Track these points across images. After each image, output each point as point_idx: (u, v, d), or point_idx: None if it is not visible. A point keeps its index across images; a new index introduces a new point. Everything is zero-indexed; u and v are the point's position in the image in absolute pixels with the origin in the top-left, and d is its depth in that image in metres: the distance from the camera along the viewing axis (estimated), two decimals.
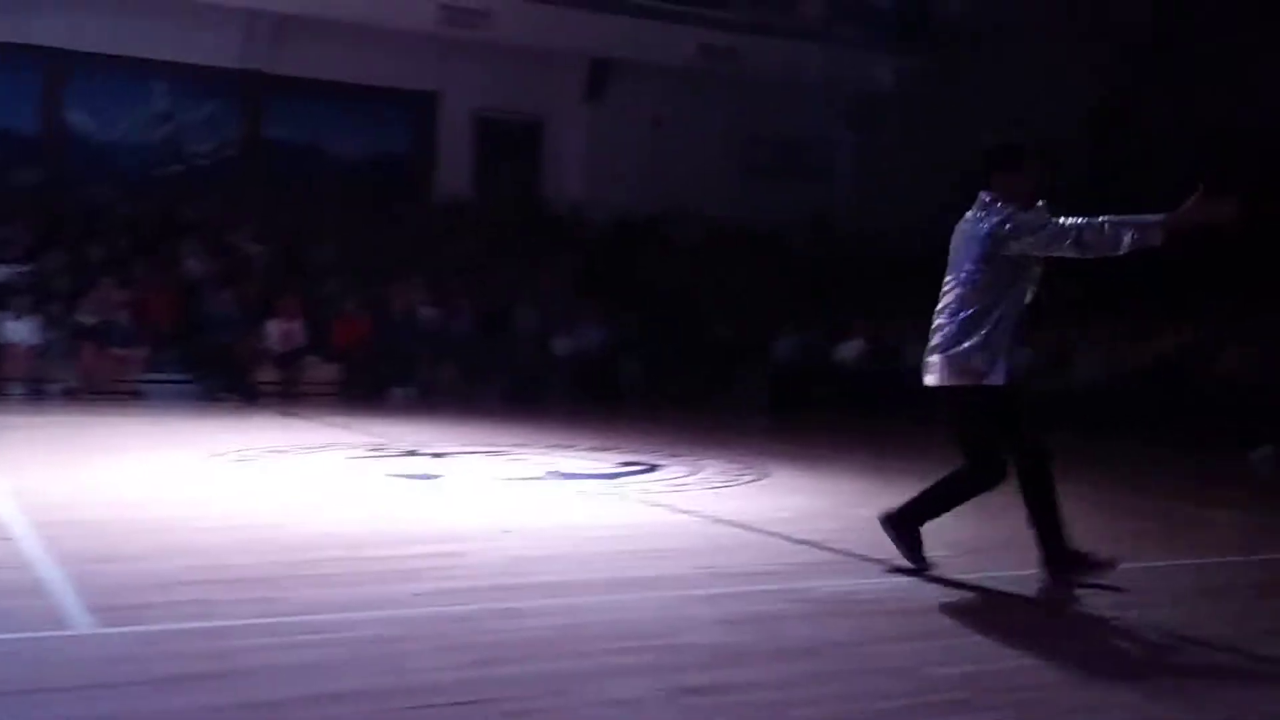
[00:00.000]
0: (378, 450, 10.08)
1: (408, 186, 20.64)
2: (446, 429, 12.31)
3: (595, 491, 8.20)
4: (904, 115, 20.66)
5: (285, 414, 13.94)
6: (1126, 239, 4.77)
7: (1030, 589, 5.27)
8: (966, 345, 5.13)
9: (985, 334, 5.10)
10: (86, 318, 15.59)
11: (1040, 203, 5.19)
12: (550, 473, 8.93)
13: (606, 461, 9.71)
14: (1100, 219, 4.86)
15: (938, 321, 5.28)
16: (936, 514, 5.49)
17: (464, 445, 10.52)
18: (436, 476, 8.57)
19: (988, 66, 20.41)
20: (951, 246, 5.35)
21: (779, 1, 20.61)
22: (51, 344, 15.28)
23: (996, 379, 5.12)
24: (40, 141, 18.98)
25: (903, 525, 5.46)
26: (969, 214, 5.28)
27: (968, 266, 5.19)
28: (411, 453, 9.91)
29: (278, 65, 19.59)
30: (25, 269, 16.18)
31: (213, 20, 18.73)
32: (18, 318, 15.02)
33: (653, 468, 9.39)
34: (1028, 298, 5.25)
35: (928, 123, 20.52)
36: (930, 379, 5.30)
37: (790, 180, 22.46)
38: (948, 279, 5.31)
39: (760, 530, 6.67)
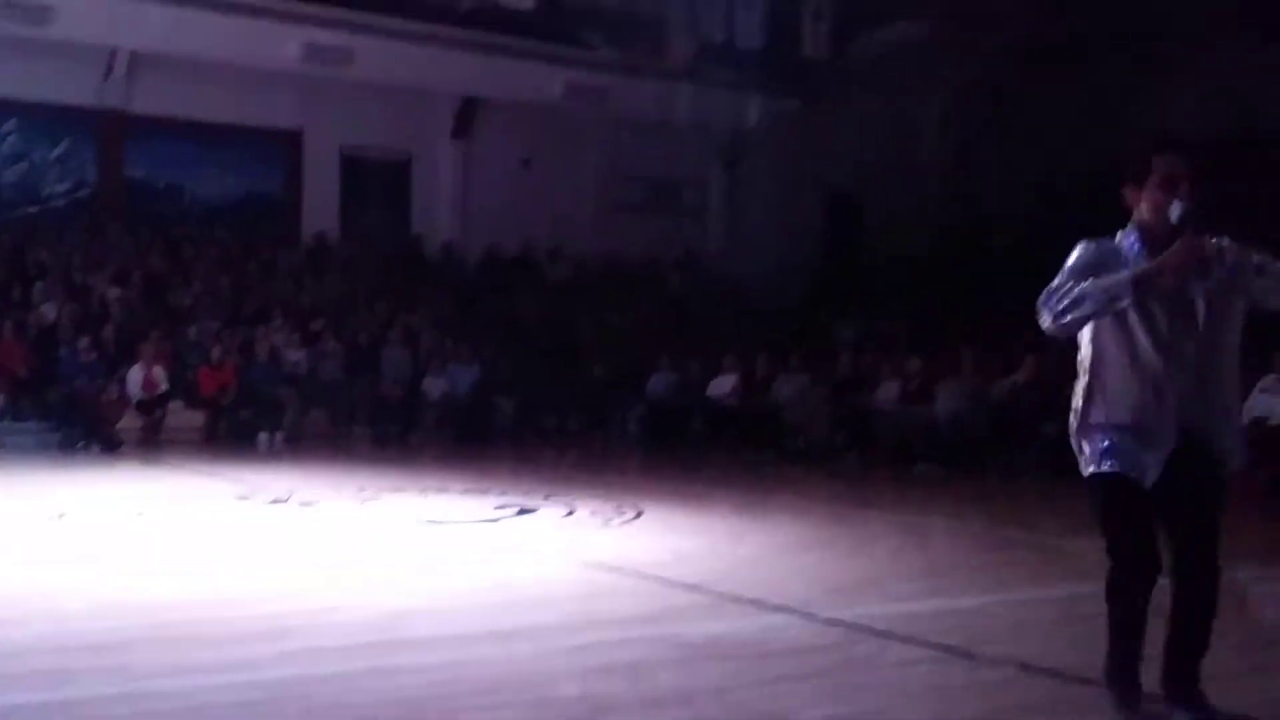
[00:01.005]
0: (244, 499, 9.86)
1: (274, 227, 20.28)
2: (316, 475, 12.08)
3: (470, 537, 8.13)
4: (771, 153, 21.05)
5: (148, 463, 13.54)
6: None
7: (896, 625, 5.37)
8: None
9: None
10: None
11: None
12: (424, 519, 8.83)
13: (481, 505, 9.63)
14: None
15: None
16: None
17: (334, 492, 10.33)
18: (305, 526, 8.41)
19: (849, 108, 21.02)
20: None
21: (648, 43, 20.82)
22: None
23: None
24: None
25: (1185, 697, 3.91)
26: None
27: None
28: (279, 501, 9.71)
29: (138, 104, 19.12)
30: None
31: (68, 58, 18.23)
32: None
33: (528, 510, 9.34)
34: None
35: (794, 161, 20.97)
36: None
37: (662, 218, 22.68)
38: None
39: (635, 573, 6.68)
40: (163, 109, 19.18)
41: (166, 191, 19.81)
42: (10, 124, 18.85)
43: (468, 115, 21.51)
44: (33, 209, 19.07)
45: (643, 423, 17.25)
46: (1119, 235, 3.97)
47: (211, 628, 5.18)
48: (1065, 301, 3.77)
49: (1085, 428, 3.99)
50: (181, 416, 16.11)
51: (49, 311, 16.76)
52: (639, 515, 9.21)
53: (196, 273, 18.60)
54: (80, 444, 14.88)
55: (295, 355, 17.10)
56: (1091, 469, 3.97)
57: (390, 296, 19.23)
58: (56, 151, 19.23)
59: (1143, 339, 3.82)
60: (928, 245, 22.01)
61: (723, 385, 16.81)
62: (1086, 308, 3.76)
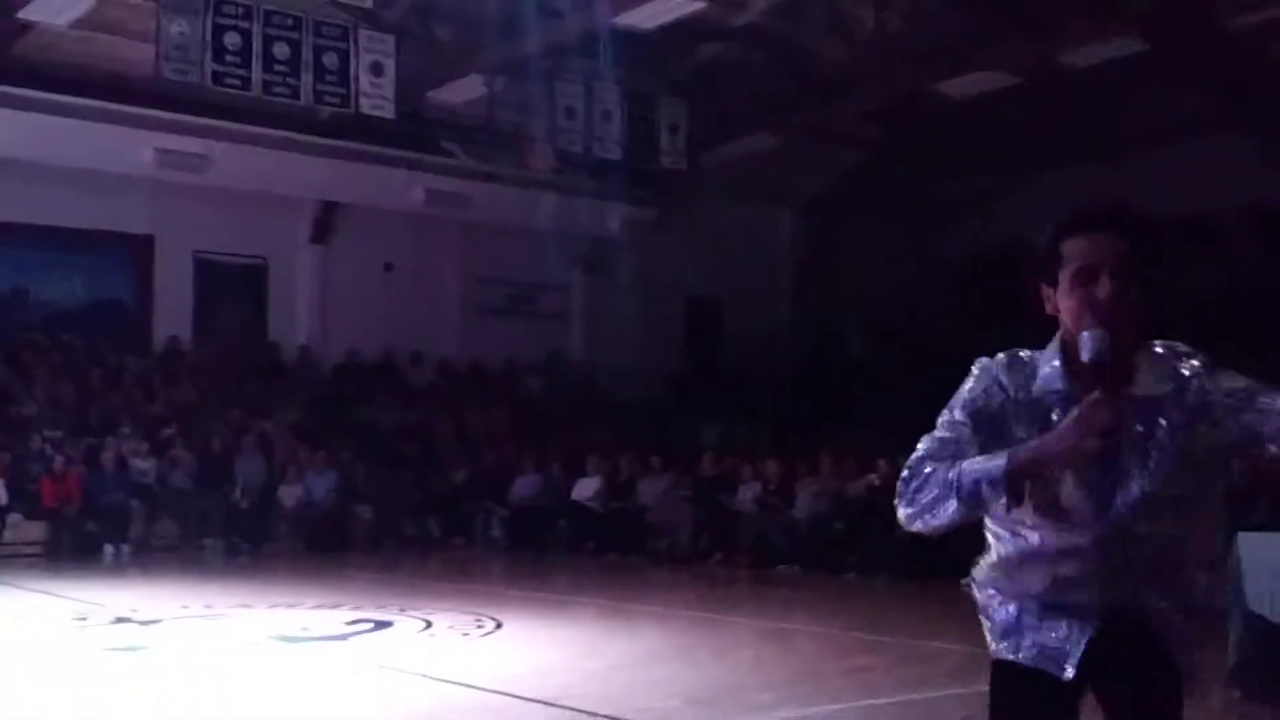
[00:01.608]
0: (83, 619, 9.43)
1: (124, 333, 19.73)
2: (162, 591, 11.65)
3: (320, 657, 7.89)
4: (630, 259, 21.35)
5: None
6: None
7: None
8: None
9: None
10: None
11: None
12: (273, 637, 8.55)
13: (334, 620, 9.38)
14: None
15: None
16: None
17: (180, 609, 9.95)
18: (144, 648, 8.07)
19: (706, 216, 21.56)
20: None
21: (508, 151, 21.02)
22: None
23: None
24: None
25: None
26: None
27: None
28: (122, 620, 9.32)
29: None
30: None
31: None
32: None
33: (383, 624, 9.13)
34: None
35: (654, 266, 21.31)
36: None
37: (524, 321, 22.73)
38: None
39: (490, 689, 6.56)
40: (10, 214, 18.64)
41: (9, 298, 19.17)
42: None
43: (327, 220, 21.36)
44: None
45: (506, 527, 17.12)
46: (1047, 349, 2.68)
47: None
48: (921, 497, 2.64)
49: (984, 584, 2.84)
50: (21, 529, 15.46)
51: None
52: (499, 626, 9.08)
53: (40, 380, 17.97)
54: None
55: (144, 464, 16.59)
56: (991, 647, 2.80)
57: (245, 403, 18.82)
58: None
59: (1066, 485, 2.61)
60: (784, 349, 22.49)
61: (587, 488, 16.78)
62: (943, 515, 2.61)
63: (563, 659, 7.74)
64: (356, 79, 18.28)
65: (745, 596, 12.17)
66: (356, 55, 18.32)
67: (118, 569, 14.39)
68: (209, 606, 10.09)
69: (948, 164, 20.51)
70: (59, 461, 15.88)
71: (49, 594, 11.44)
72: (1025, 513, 2.61)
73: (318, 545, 16.09)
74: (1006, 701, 2.78)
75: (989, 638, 2.80)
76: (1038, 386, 2.64)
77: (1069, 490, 2.60)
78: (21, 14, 16.96)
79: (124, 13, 17.34)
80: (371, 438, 18.77)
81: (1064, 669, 2.66)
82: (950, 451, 2.64)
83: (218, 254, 20.66)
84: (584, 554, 15.57)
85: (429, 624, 9.16)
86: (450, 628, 9.01)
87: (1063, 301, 2.60)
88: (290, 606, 10.20)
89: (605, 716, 5.63)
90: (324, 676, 7.18)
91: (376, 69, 18.75)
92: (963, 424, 2.67)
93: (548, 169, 20.77)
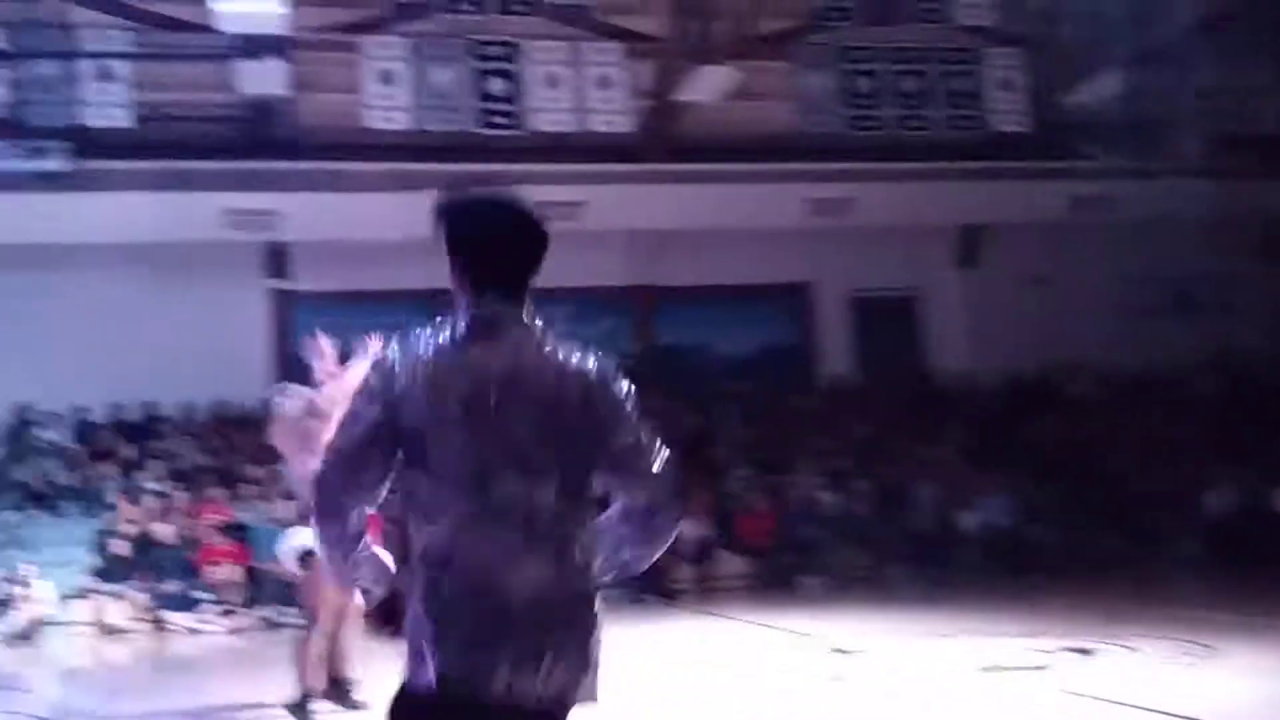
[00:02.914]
0: (798, 648, 10.16)
1: (794, 375, 21.16)
2: (860, 620, 12.22)
3: (1025, 687, 7.90)
4: None
5: (702, 613, 14.30)
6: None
7: None
8: None
9: None
10: None
11: None
12: (976, 667, 8.69)
13: (1034, 648, 9.32)
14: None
15: None
16: None
17: (882, 636, 10.41)
18: (850, 678, 8.53)
19: None
20: None
21: (1151, 143, 19.94)
22: None
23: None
24: None
25: None
26: None
27: None
28: (830, 650, 9.92)
29: (663, 277, 20.87)
30: None
31: (602, 244, 20.11)
32: None
33: (1084, 652, 8.96)
34: None
35: None
36: None
37: (1182, 321, 21.33)
38: None
39: None
40: (685, 279, 20.71)
41: (694, 353, 21.26)
42: (560, 309, 21.05)
43: (972, 243, 21.49)
44: None
45: (1202, 545, 16.06)
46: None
47: None
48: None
49: None
50: (728, 564, 16.95)
51: None
52: (1210, 652, 8.58)
53: (726, 427, 19.66)
54: (640, 596, 16.00)
55: (826, 497, 17.57)
56: None
57: (913, 432, 19.34)
58: (600, 330, 21.25)
59: None
60: None
61: None
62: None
63: None
64: (987, 98, 18.35)
65: None
66: (984, 75, 18.39)
67: (816, 599, 15.31)
68: (911, 633, 10.46)
69: None
70: (753, 500, 17.27)
71: (759, 624, 12.45)
72: None
73: (1001, 570, 16.09)
74: None
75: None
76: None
77: None
78: (676, 97, 18.85)
79: (766, 79, 18.70)
80: (1041, 457, 18.50)
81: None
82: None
83: (871, 290, 21.50)
84: None
85: (1133, 650, 8.87)
86: (1156, 654, 8.66)
87: None
88: (987, 635, 10.30)
89: None
90: (1031, 707, 7.19)
91: (1006, 84, 18.71)
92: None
93: (1197, 156, 19.42)
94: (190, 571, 15.44)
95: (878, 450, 18.95)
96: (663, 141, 20.15)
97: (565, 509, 2.82)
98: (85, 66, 17.01)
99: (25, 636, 14.68)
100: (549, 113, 17.72)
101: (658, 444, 2.98)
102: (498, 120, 17.72)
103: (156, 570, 15.46)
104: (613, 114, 18.02)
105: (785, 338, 21.71)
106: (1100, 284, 21.48)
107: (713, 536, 16.92)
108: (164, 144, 18.51)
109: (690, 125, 19.80)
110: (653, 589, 16.00)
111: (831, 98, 18.73)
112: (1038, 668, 8.53)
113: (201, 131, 19.18)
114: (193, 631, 14.86)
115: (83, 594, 15.47)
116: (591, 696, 2.90)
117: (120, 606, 15.16)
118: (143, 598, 15.33)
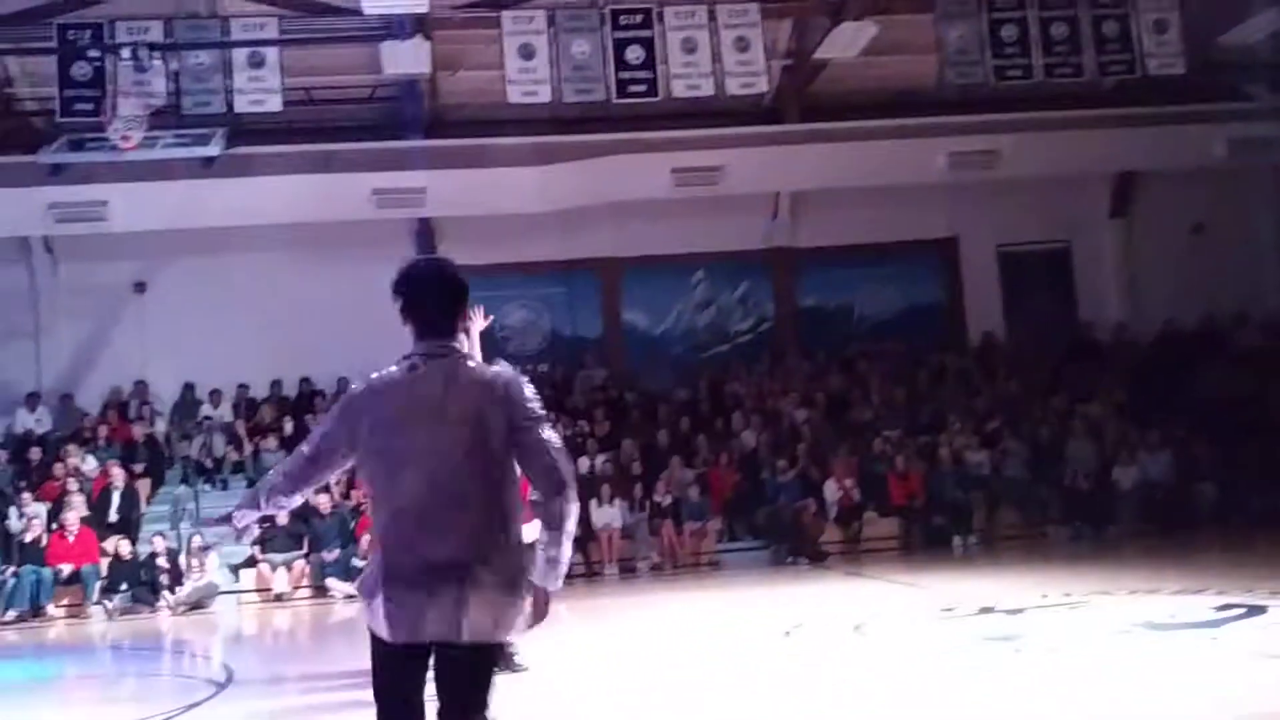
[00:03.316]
0: (950, 609, 10.05)
1: (941, 333, 20.82)
2: (1016, 580, 12.03)
3: (1193, 645, 7.69)
4: None
5: (852, 575, 14.25)
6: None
7: None
8: None
9: None
10: (662, 497, 16.88)
11: None
12: (1140, 624, 8.49)
13: (1200, 606, 9.07)
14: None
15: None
16: None
17: (1040, 598, 10.23)
18: (1016, 638, 8.40)
19: None
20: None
21: None
22: (635, 525, 16.63)
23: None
24: (604, 342, 21.03)
25: None
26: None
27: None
28: (986, 610, 9.78)
29: (802, 238, 20.71)
30: (606, 458, 17.82)
31: (740, 208, 20.12)
32: (604, 503, 16.52)
33: (1255, 610, 8.67)
34: None
35: None
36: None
37: None
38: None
39: None
40: (825, 239, 20.51)
41: (837, 314, 21.06)
42: (699, 274, 21.08)
43: (1125, 191, 20.81)
44: (724, 347, 21.09)
45: None
46: None
47: None
48: None
49: None
50: (876, 526, 16.83)
51: (749, 438, 18.32)
52: None
53: (872, 387, 19.46)
54: (789, 559, 16.02)
55: (977, 457, 17.29)
56: None
57: (1066, 388, 18.88)
58: (739, 293, 21.22)
59: None
60: None
61: None
62: None
63: None
64: (1140, 41, 17.67)
65: None
66: (1137, 17, 17.71)
67: (967, 560, 15.11)
68: (1067, 594, 10.25)
69: None
70: (900, 461, 17.08)
71: (911, 585, 12.35)
72: None
73: (1161, 526, 15.66)
74: None
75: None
76: None
77: None
78: (816, 55, 18.60)
79: (904, 33, 18.31)
80: (1202, 410, 17.87)
81: None
82: None
83: (1019, 244, 21.01)
84: None
85: None
86: None
87: None
88: (1150, 592, 10.05)
89: None
90: (1200, 665, 7.00)
91: (1160, 26, 17.97)
92: None
93: None
94: (350, 540, 15.94)
95: (1030, 408, 18.54)
96: (801, 101, 19.94)
97: (482, 488, 3.65)
98: (237, 54, 17.52)
99: (197, 604, 15.39)
100: (686, 78, 17.65)
101: (554, 440, 3.74)
102: (635, 88, 17.73)
103: (317, 540, 16.02)
104: (750, 76, 17.83)
105: (931, 295, 21.34)
106: (1262, 230, 20.61)
107: (860, 499, 16.81)
108: (313, 127, 19.03)
109: (829, 83, 19.54)
110: (801, 551, 16.01)
111: (977, 48, 18.23)
112: (1207, 624, 8.29)
113: (349, 113, 19.66)
114: (351, 598, 15.37)
115: (248, 564, 16.12)
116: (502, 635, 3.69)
117: (284, 575, 15.76)
118: (305, 566, 15.92)
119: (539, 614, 3.69)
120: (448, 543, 3.58)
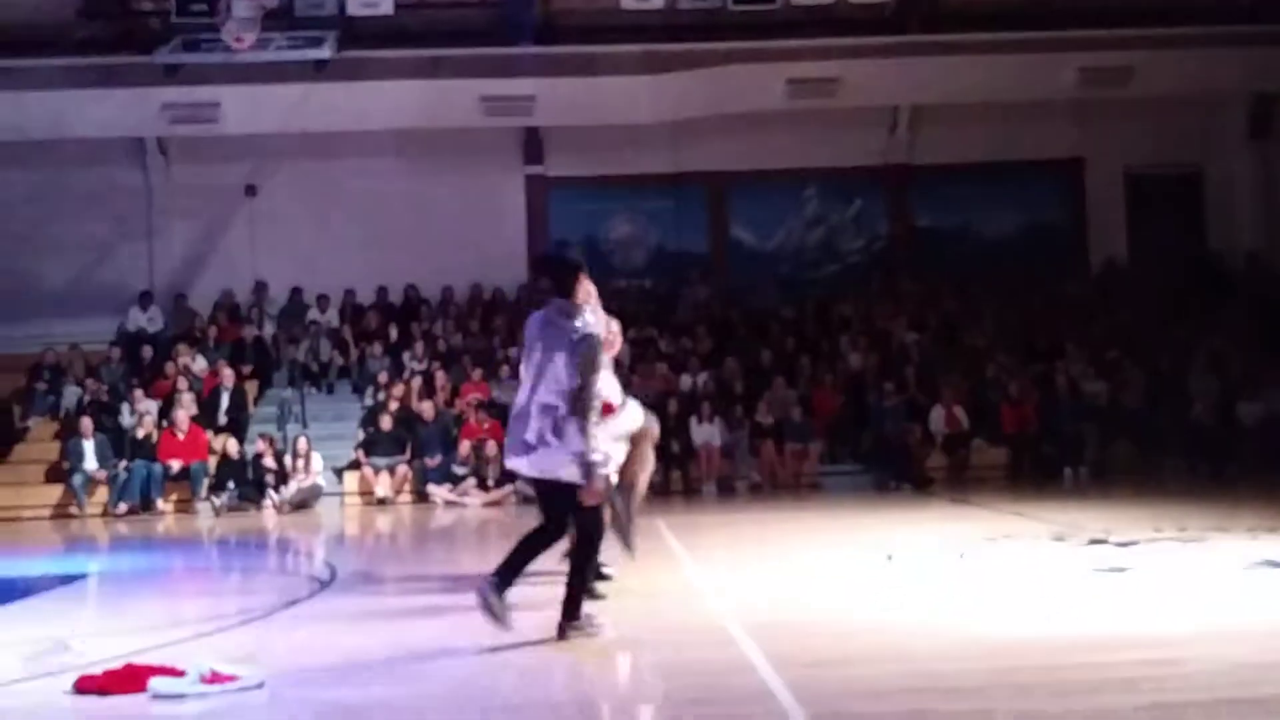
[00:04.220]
0: (1060, 540, 9.69)
1: (1061, 257, 20.10)
2: (1127, 513, 11.58)
3: None
4: None
5: (956, 501, 13.89)
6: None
7: None
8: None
9: None
10: (764, 417, 16.64)
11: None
12: (1258, 561, 8.07)
13: None
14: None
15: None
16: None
17: (1151, 531, 9.81)
18: (1126, 569, 8.05)
19: None
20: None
21: None
22: (735, 444, 16.44)
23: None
24: (710, 258, 20.69)
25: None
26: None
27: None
28: (1097, 541, 9.41)
29: (920, 155, 20.07)
30: (708, 376, 17.61)
31: (855, 123, 19.56)
32: (704, 421, 16.34)
33: None
34: None
35: None
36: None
37: None
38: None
39: None
40: (943, 157, 19.86)
41: (953, 235, 20.44)
42: (810, 190, 20.59)
43: (1264, 114, 19.77)
44: (834, 266, 20.64)
45: None
46: None
47: (1055, 674, 5.10)
48: None
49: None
50: (985, 454, 16.42)
51: (855, 360, 17.95)
52: None
53: (987, 311, 18.90)
54: (892, 484, 15.70)
55: (1094, 387, 16.73)
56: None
57: (1190, 318, 18.13)
58: (851, 211, 20.68)
59: None
60: None
61: None
62: None
63: None
64: None
65: None
66: None
67: (1079, 491, 14.65)
68: (1183, 529, 9.82)
69: None
70: (1014, 388, 16.58)
71: (1021, 515, 11.96)
72: None
73: None
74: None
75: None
76: None
77: None
78: None
79: None
80: None
81: None
82: None
83: (1148, 167, 20.16)
84: None
85: None
86: None
87: None
88: (1272, 530, 9.57)
89: None
90: None
91: None
92: None
93: None
94: (451, 446, 16.00)
95: (1152, 338, 17.84)
96: (925, 10, 19.22)
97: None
98: None
99: (301, 505, 15.62)
100: None
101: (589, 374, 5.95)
102: None
103: (420, 445, 16.11)
104: None
105: (1053, 218, 20.59)
106: None
107: (968, 426, 16.38)
108: (424, 31, 18.88)
109: None
110: (905, 477, 15.69)
111: None
112: None
113: (460, 18, 19.47)
114: (450, 504, 15.47)
115: (352, 466, 16.30)
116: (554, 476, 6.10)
117: (386, 479, 15.90)
118: (407, 472, 16.04)
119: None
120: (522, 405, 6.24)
